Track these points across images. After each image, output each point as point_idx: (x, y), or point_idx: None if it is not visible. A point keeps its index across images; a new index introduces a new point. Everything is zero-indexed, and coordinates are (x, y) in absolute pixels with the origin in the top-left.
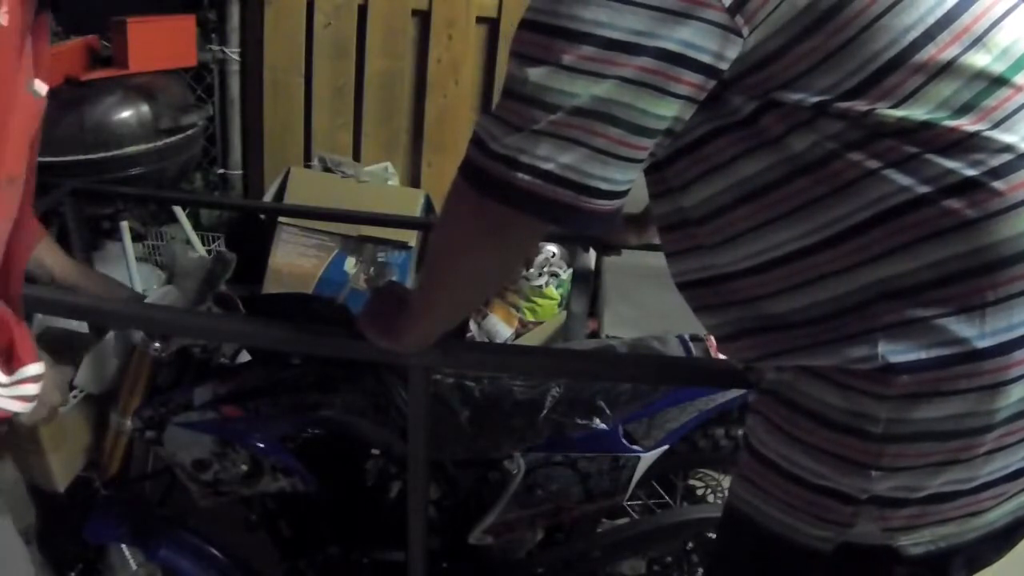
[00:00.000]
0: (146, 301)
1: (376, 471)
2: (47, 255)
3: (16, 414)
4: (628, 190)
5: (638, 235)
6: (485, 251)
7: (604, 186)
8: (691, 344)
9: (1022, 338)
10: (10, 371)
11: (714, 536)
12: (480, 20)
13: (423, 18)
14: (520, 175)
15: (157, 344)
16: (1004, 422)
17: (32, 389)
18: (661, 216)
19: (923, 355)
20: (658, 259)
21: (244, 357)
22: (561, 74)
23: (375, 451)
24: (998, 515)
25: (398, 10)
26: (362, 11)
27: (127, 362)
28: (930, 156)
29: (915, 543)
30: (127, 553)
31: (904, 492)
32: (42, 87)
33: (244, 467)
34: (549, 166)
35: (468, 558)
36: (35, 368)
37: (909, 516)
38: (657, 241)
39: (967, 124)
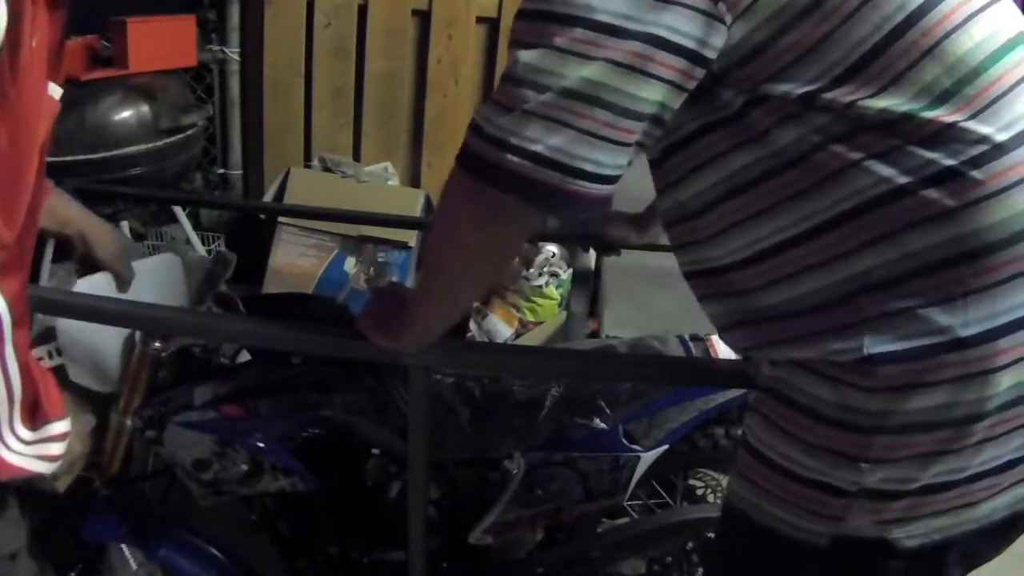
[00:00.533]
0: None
1: (376, 471)
2: (57, 201)
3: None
4: (617, 177)
5: (639, 234)
6: (480, 239)
7: (590, 168)
8: (691, 344)
9: (1006, 326)
10: (34, 426)
11: (714, 535)
12: (480, 20)
13: (423, 18)
14: (509, 156)
15: (157, 344)
16: (994, 411)
17: (57, 448)
18: (663, 211)
19: (907, 345)
20: (658, 259)
21: (244, 357)
22: (552, 55)
23: (375, 451)
24: (992, 507)
25: (398, 10)
26: (362, 11)
27: (127, 362)
28: (911, 148)
29: (909, 535)
30: (127, 553)
31: (895, 484)
32: (56, 90)
33: (244, 467)
34: (537, 147)
35: (468, 558)
36: (61, 426)
37: (902, 508)
38: (659, 241)
39: (944, 115)
